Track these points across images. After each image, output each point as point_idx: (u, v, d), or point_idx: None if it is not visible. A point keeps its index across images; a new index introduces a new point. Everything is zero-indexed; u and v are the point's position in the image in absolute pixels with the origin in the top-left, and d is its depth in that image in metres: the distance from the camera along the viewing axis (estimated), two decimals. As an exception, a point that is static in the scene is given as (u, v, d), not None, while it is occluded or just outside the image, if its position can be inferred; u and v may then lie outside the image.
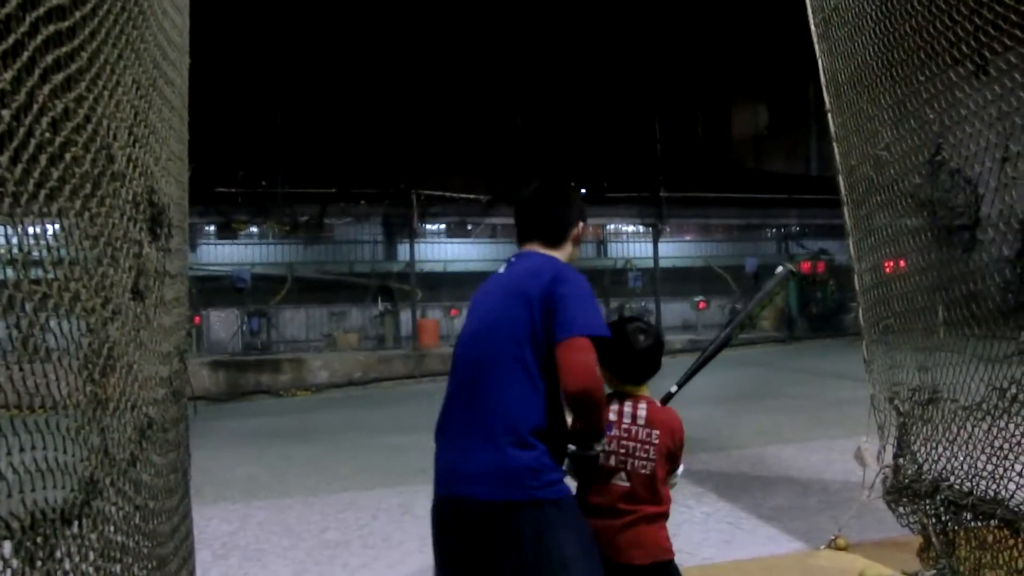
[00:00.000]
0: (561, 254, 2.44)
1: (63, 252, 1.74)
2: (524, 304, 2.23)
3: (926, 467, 3.95)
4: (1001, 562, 3.30)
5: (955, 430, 3.65)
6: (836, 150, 4.82)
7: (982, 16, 3.16)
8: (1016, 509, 3.18)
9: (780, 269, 3.00)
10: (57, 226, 1.71)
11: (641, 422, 2.46)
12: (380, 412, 13.19)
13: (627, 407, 2.49)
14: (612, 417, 2.48)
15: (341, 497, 6.72)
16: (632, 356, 2.50)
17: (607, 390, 2.37)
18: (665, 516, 2.50)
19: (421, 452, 9.72)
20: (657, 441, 2.43)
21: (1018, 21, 3.03)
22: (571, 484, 2.34)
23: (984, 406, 3.34)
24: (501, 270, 2.44)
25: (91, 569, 1.77)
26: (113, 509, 1.94)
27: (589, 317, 2.18)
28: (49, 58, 1.61)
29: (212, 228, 22.17)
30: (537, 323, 2.20)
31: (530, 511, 2.12)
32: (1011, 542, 3.23)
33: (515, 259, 2.45)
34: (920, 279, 4.01)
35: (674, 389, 2.69)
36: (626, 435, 2.46)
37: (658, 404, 2.53)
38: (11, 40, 1.45)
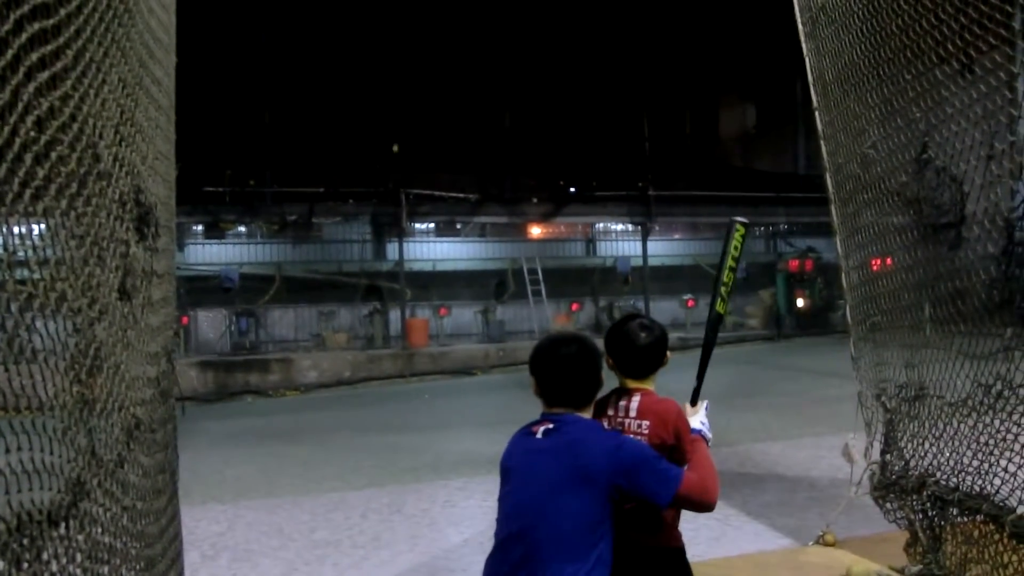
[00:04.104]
0: (587, 412, 2.43)
1: (49, 252, 1.73)
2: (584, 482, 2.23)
3: (913, 463, 3.97)
4: (987, 557, 3.32)
5: (941, 426, 3.67)
6: (823, 148, 4.84)
7: (967, 15, 3.18)
8: (1001, 504, 3.20)
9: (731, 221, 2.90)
10: (43, 226, 1.70)
11: (632, 414, 2.52)
12: (369, 412, 13.17)
13: (623, 401, 2.56)
14: (609, 412, 2.56)
15: (330, 497, 6.70)
16: (633, 352, 2.55)
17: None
18: None
19: (411, 452, 9.71)
20: (647, 431, 2.47)
21: (1002, 20, 3.05)
22: None
23: (970, 402, 3.36)
24: (539, 435, 2.34)
25: (78, 571, 1.76)
26: (100, 510, 1.93)
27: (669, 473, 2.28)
28: (34, 56, 1.60)
29: (200, 227, 22.04)
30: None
31: None
32: (996, 537, 3.25)
33: (552, 426, 2.36)
34: (907, 277, 4.03)
35: (696, 384, 2.72)
36: (619, 428, 2.52)
37: (656, 396, 2.56)
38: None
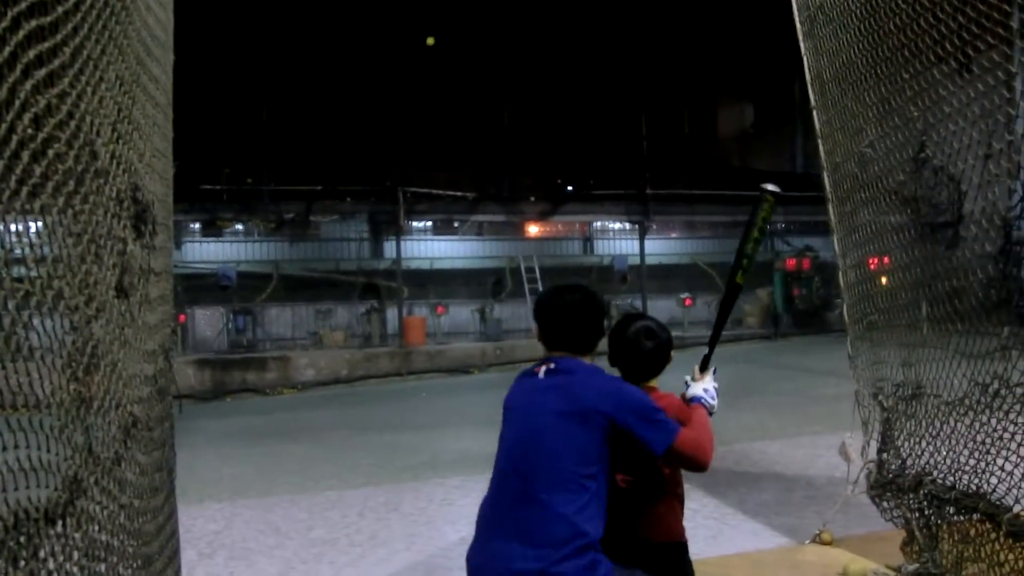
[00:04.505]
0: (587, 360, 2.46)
1: (46, 249, 1.72)
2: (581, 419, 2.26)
3: (909, 462, 3.98)
4: (983, 555, 3.33)
5: (938, 425, 3.68)
6: (821, 147, 4.85)
7: (965, 14, 3.18)
8: (998, 503, 3.20)
9: (757, 193, 2.77)
10: (40, 223, 1.70)
11: None
12: (366, 410, 13.16)
13: None
14: None
15: (328, 495, 6.70)
16: (638, 359, 2.58)
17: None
18: (671, 496, 2.56)
19: (408, 450, 9.69)
20: None
21: (1000, 20, 3.05)
22: None
23: (966, 401, 3.37)
24: (541, 375, 2.40)
25: (75, 568, 1.76)
26: (98, 508, 1.92)
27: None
28: (31, 53, 1.60)
29: (197, 225, 22.03)
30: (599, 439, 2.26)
31: None
32: (993, 535, 3.25)
33: (553, 365, 2.41)
34: (904, 276, 4.04)
35: (707, 352, 2.69)
36: None
37: (660, 392, 2.59)
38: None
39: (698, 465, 2.30)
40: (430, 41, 17.44)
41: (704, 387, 2.54)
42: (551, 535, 2.16)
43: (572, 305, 2.46)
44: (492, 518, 2.32)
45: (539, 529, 2.18)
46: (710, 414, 2.49)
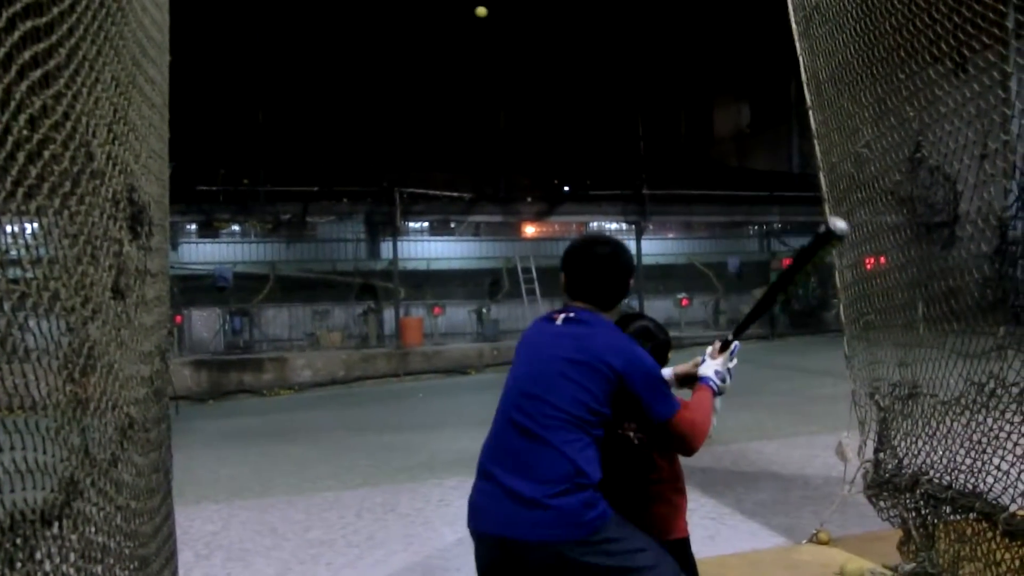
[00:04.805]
0: (610, 316, 2.46)
1: (42, 251, 1.72)
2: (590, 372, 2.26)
3: (906, 461, 3.98)
4: (979, 555, 3.33)
5: (935, 425, 3.68)
6: (817, 147, 4.85)
7: (960, 15, 3.19)
8: (994, 502, 3.21)
9: (823, 228, 2.50)
10: (36, 224, 1.70)
11: None
12: (363, 411, 13.15)
13: None
14: None
15: (325, 496, 6.70)
16: None
17: None
18: (672, 492, 2.58)
19: (405, 451, 9.67)
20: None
21: (996, 20, 3.06)
22: None
23: (963, 401, 3.37)
24: (559, 322, 2.41)
25: (72, 570, 1.76)
26: (94, 510, 1.92)
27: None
28: (27, 54, 1.59)
29: (193, 226, 21.99)
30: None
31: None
32: (989, 535, 3.26)
33: (572, 315, 2.41)
34: (900, 275, 4.04)
35: (730, 336, 2.62)
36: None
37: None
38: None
39: (689, 447, 2.30)
40: (481, 11, 16.22)
41: (716, 368, 2.52)
42: (551, 471, 2.16)
43: (600, 258, 2.45)
44: (492, 455, 2.32)
45: (539, 465, 2.18)
46: (718, 394, 2.48)
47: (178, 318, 18.18)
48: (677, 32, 26.27)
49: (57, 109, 1.76)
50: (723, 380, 2.50)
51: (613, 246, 2.49)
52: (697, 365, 2.58)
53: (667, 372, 2.59)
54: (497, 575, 2.28)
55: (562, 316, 2.41)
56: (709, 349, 2.59)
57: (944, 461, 3.62)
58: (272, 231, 22.16)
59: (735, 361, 2.55)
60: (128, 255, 2.32)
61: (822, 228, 2.44)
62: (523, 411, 2.27)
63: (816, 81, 4.73)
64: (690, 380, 2.56)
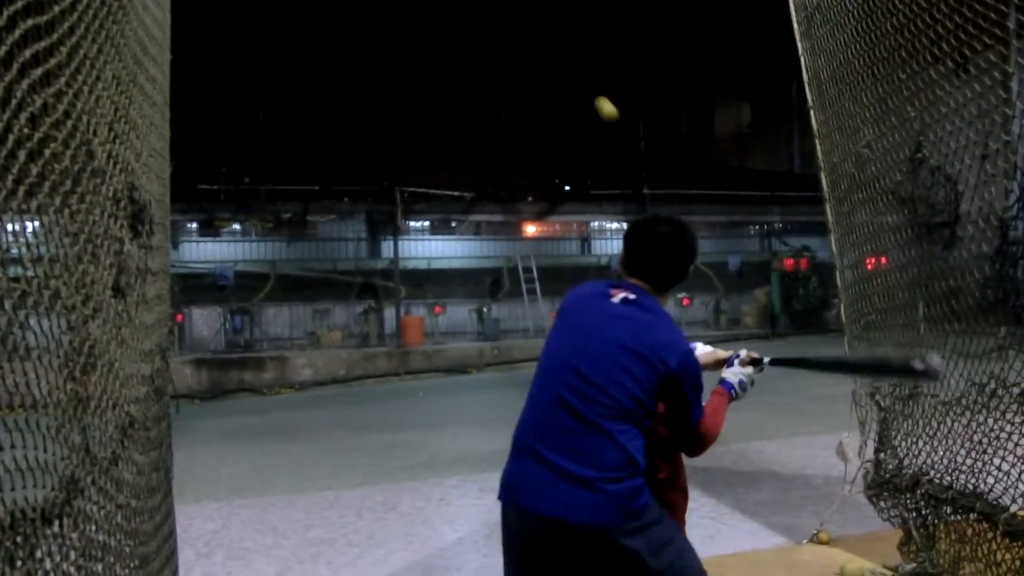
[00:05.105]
0: (662, 301, 2.43)
1: (43, 249, 1.72)
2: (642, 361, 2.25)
3: (906, 462, 3.98)
4: (980, 555, 3.33)
5: (935, 425, 3.68)
6: (818, 147, 4.85)
7: (962, 15, 3.19)
8: (995, 503, 3.21)
9: (918, 363, 2.47)
10: (37, 223, 1.70)
11: None
12: (364, 410, 13.16)
13: None
14: None
15: (325, 495, 6.69)
16: None
17: None
18: (673, 490, 2.58)
19: (405, 450, 9.65)
20: None
21: (997, 20, 3.05)
22: None
23: (963, 401, 3.37)
24: (616, 300, 2.34)
25: (72, 568, 1.76)
26: (94, 508, 1.92)
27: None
28: (27, 53, 1.59)
29: (194, 225, 22.02)
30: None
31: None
32: (990, 535, 3.26)
33: (632, 296, 2.35)
34: (901, 275, 4.04)
35: (766, 358, 2.64)
36: None
37: None
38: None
39: (701, 450, 2.35)
40: (608, 110, 16.49)
41: (741, 377, 2.53)
42: (607, 458, 2.16)
43: (664, 237, 2.41)
44: (538, 433, 2.25)
45: (593, 451, 2.17)
46: (734, 398, 2.52)
47: (179, 317, 18.21)
48: (677, 32, 26.26)
49: (58, 107, 1.76)
50: (744, 390, 2.53)
51: (677, 226, 2.44)
52: (719, 362, 2.59)
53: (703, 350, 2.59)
54: (534, 553, 2.25)
55: (620, 295, 2.34)
56: (742, 353, 2.59)
57: (945, 461, 3.62)
58: (273, 230, 22.19)
59: (757, 376, 2.58)
60: (129, 253, 2.32)
61: (918, 364, 2.45)
62: (575, 391, 2.22)
63: (817, 81, 4.72)
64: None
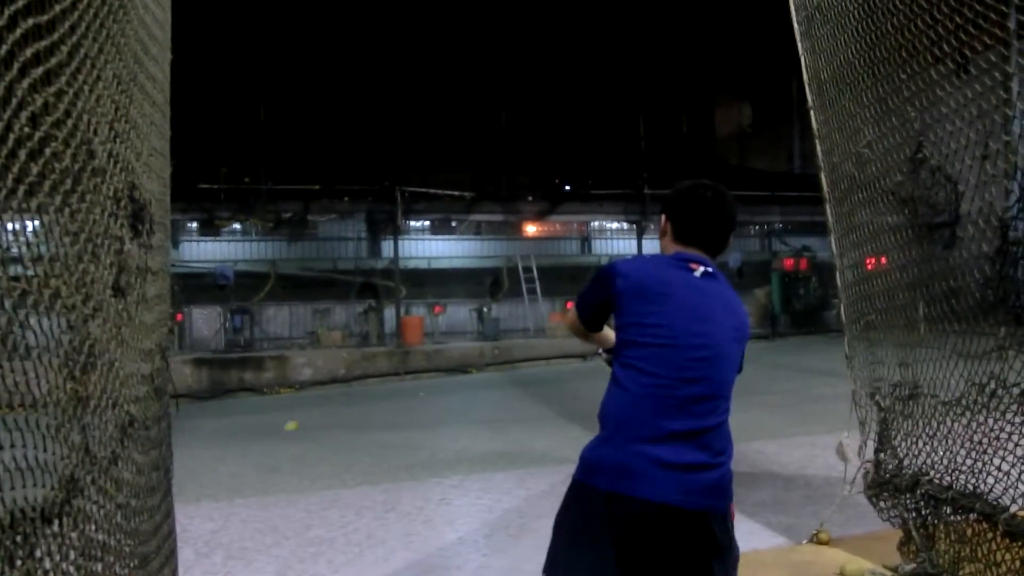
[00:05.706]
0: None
1: (43, 248, 1.72)
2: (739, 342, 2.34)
3: (907, 462, 3.98)
4: (980, 555, 3.33)
5: (935, 425, 3.68)
6: (819, 147, 4.85)
7: (962, 15, 3.19)
8: (995, 503, 3.21)
9: None
10: (37, 222, 1.70)
11: None
12: (364, 409, 13.16)
13: None
14: None
15: (325, 495, 6.70)
16: None
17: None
18: None
19: (405, 449, 9.65)
20: None
21: (997, 20, 3.05)
22: None
23: (963, 401, 3.37)
24: (698, 275, 2.28)
25: (72, 568, 1.76)
26: (94, 507, 1.92)
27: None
28: (28, 52, 1.59)
29: (194, 225, 22.03)
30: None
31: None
32: (989, 535, 3.26)
33: (711, 269, 2.33)
34: (901, 276, 4.04)
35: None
36: None
37: None
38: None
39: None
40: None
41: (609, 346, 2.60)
42: (721, 444, 2.26)
43: (713, 199, 2.38)
44: (650, 423, 2.16)
45: (714, 441, 2.23)
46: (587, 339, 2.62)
47: (179, 316, 18.21)
48: (678, 32, 26.25)
49: (59, 107, 1.76)
50: (600, 354, 2.69)
51: (717, 189, 2.41)
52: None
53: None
54: (639, 542, 2.13)
55: (701, 269, 2.29)
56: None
57: (945, 462, 3.62)
58: (273, 229, 22.20)
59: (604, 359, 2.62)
60: (129, 253, 2.32)
61: None
62: (699, 379, 2.19)
63: (817, 81, 4.73)
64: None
